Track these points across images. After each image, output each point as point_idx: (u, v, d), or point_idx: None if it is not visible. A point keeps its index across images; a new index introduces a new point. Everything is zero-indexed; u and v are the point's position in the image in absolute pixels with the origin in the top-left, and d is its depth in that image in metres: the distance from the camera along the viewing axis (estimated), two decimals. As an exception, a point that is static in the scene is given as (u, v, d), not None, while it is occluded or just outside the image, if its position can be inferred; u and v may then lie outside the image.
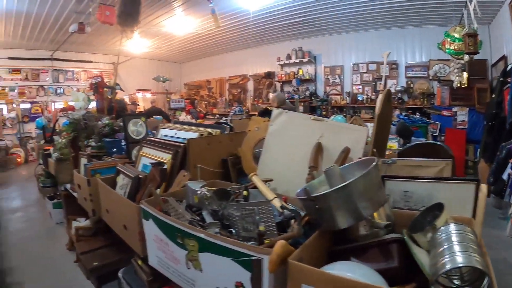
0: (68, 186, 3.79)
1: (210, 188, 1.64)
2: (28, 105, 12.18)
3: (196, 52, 13.26)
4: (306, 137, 1.91)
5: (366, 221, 1.29)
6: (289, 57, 11.09)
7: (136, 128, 3.07)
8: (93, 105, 5.18)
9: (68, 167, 3.75)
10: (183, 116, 9.47)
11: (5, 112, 11.88)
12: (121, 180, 2.35)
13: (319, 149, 1.81)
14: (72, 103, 4.49)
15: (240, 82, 13.17)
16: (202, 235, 1.30)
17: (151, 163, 2.11)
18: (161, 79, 12.78)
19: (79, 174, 3.01)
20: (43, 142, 6.60)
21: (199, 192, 1.59)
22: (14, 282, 3.86)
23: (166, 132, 2.69)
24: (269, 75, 11.92)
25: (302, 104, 10.35)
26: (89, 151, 3.40)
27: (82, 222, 4.10)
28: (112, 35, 10.36)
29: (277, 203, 1.45)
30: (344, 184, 1.18)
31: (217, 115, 12.41)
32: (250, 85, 12.92)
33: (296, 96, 10.42)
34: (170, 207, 1.62)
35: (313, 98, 10.61)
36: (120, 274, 2.59)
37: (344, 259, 1.23)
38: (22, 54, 11.72)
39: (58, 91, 12.70)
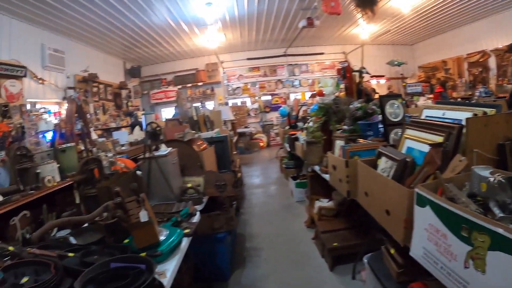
0: (317, 167, 3.93)
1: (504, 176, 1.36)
2: (268, 97, 13.98)
3: (427, 30, 12.10)
4: None
5: None
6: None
7: (393, 110, 2.93)
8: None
9: (317, 150, 3.91)
10: (422, 102, 8.74)
11: (249, 104, 14.04)
12: (382, 163, 2.25)
13: None
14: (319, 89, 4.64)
15: (480, 60, 11.11)
16: (500, 230, 1.07)
17: (430, 145, 1.92)
18: (396, 63, 12.18)
19: (334, 155, 3.07)
20: (287, 127, 7.25)
21: (491, 179, 1.32)
22: (252, 247, 4.35)
23: (431, 113, 2.42)
24: (513, 48, 9.66)
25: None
26: (340, 134, 3.42)
27: (325, 203, 4.26)
28: (340, 25, 10.60)
29: None
30: None
31: (459, 99, 10.81)
32: (492, 62, 10.73)
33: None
34: (451, 195, 1.43)
35: None
36: (365, 259, 2.56)
37: None
38: (259, 54, 13.32)
39: (295, 83, 13.95)
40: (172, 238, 1.82)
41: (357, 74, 4.58)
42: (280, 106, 12.85)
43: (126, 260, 1.46)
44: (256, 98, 13.86)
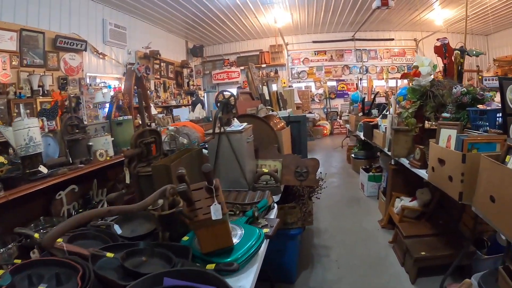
0: (404, 160, 3.40)
1: None
2: (334, 83, 13.35)
3: (509, 18, 10.67)
4: None
5: None
6: None
7: (513, 97, 2.35)
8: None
9: (407, 140, 3.40)
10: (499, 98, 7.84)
11: (313, 89, 13.52)
12: (512, 161, 1.78)
13: None
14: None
15: None
16: None
17: None
18: (474, 52, 11.09)
19: (441, 146, 2.54)
20: (360, 114, 6.77)
21: None
22: (321, 244, 3.89)
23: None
24: None
25: None
26: (450, 122, 2.79)
27: (407, 202, 3.70)
28: (412, 10, 9.84)
29: None
30: None
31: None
32: None
33: None
34: None
35: None
36: (474, 280, 2.14)
37: None
38: (325, 38, 12.89)
39: (362, 69, 13.17)
40: (250, 242, 1.32)
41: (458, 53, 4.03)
42: (346, 93, 12.67)
43: (187, 276, 1.02)
44: (321, 83, 13.28)
